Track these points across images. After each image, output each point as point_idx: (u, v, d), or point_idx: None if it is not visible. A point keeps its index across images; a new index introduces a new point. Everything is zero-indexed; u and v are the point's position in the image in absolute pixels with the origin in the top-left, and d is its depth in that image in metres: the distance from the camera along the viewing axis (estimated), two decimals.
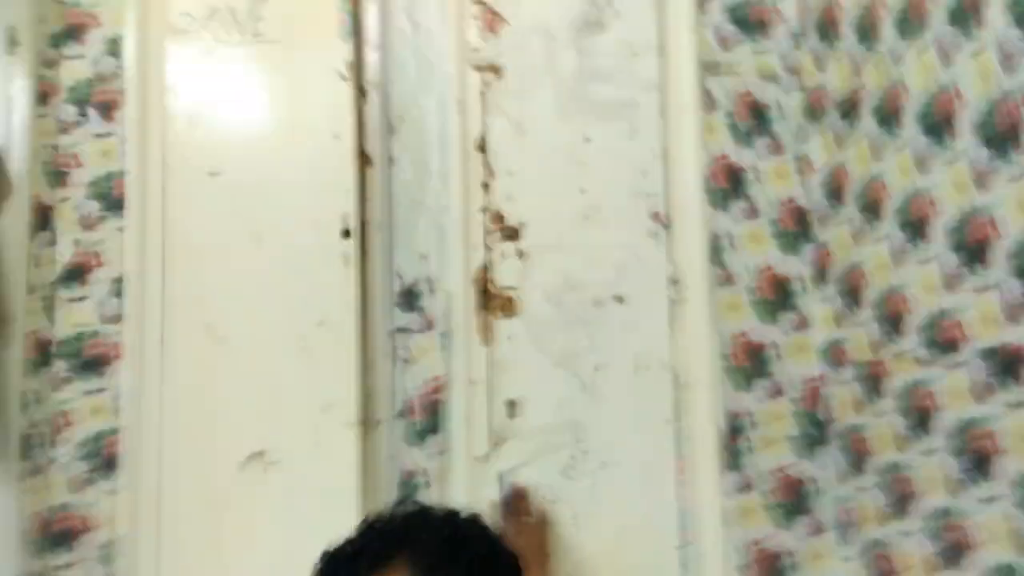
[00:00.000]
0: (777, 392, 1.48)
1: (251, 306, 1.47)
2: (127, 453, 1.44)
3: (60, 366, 1.46)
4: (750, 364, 1.49)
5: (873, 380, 1.34)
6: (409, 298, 1.52)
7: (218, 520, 1.40)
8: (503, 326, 1.52)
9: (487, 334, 1.51)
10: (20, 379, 2.02)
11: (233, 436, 1.44)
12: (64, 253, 1.50)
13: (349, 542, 0.77)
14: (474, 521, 0.83)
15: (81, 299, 1.47)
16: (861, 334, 1.38)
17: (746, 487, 1.45)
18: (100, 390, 1.45)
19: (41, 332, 1.99)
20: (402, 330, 1.50)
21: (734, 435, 1.47)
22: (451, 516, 0.83)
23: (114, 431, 1.45)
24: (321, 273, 1.48)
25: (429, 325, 1.51)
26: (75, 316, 1.46)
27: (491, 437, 1.50)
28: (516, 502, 1.47)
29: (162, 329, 1.47)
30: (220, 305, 1.48)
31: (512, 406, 1.50)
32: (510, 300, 1.53)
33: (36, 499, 1.93)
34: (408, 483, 1.46)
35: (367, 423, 1.46)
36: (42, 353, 1.97)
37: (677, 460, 1.49)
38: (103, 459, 1.44)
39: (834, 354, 1.46)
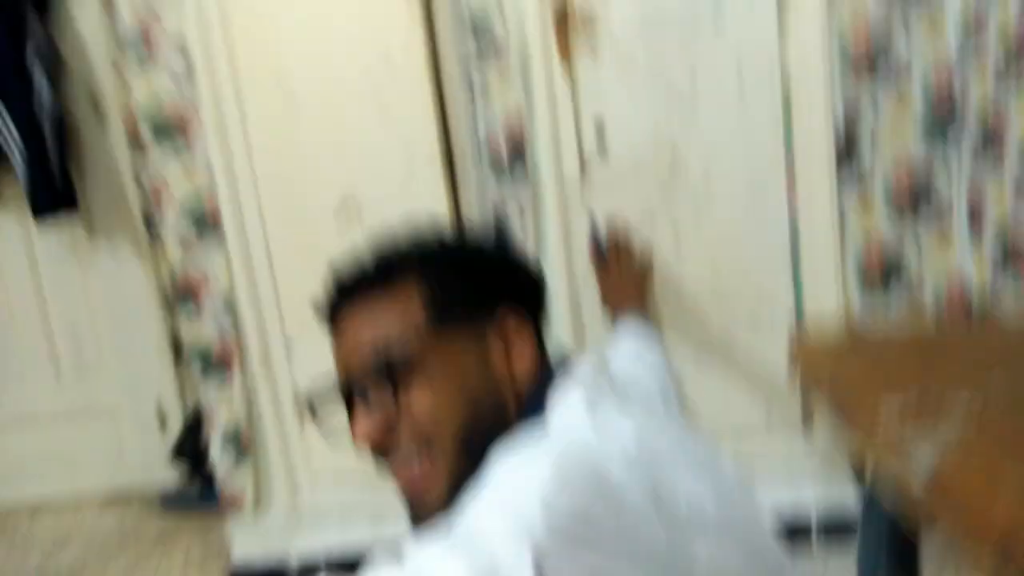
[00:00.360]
0: (904, 72, 1.31)
1: (315, 50, 1.42)
2: (227, 211, 1.50)
3: (147, 133, 1.47)
4: (872, 47, 1.31)
5: (1017, 50, 1.16)
6: (481, 22, 1.41)
7: (319, 265, 1.45)
8: (586, 40, 1.40)
9: (569, 51, 1.41)
10: (127, 158, 2.14)
11: (323, 185, 1.47)
12: (126, 20, 1.46)
13: (353, 260, 0.74)
14: (489, 232, 0.79)
15: (151, 64, 1.45)
16: None
17: (865, 179, 1.35)
18: (188, 153, 1.48)
19: (131, 106, 2.06)
20: (477, 57, 1.42)
21: (853, 126, 1.34)
22: (464, 234, 0.79)
23: (210, 191, 1.49)
24: (382, 5, 1.39)
25: (505, 49, 1.41)
26: (149, 80, 1.45)
27: (581, 161, 1.44)
28: (614, 241, 1.44)
29: (234, 85, 1.45)
30: (286, 56, 1.44)
31: (602, 126, 1.43)
32: (591, 10, 1.40)
33: (162, 265, 2.12)
34: (498, 216, 1.45)
35: (450, 159, 1.44)
36: (136, 127, 2.05)
37: (787, 162, 1.39)
38: (206, 219, 1.51)
39: (971, 24, 1.26)
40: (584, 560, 0.49)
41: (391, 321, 0.69)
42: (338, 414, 0.73)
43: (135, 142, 2.09)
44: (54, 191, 2.02)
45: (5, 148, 2.05)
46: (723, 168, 1.43)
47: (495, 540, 0.48)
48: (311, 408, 0.73)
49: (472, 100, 1.44)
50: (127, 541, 2.00)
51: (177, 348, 2.18)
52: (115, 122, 2.12)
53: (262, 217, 1.51)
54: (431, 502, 0.68)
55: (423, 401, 0.67)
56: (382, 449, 0.69)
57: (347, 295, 0.72)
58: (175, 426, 2.21)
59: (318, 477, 1.63)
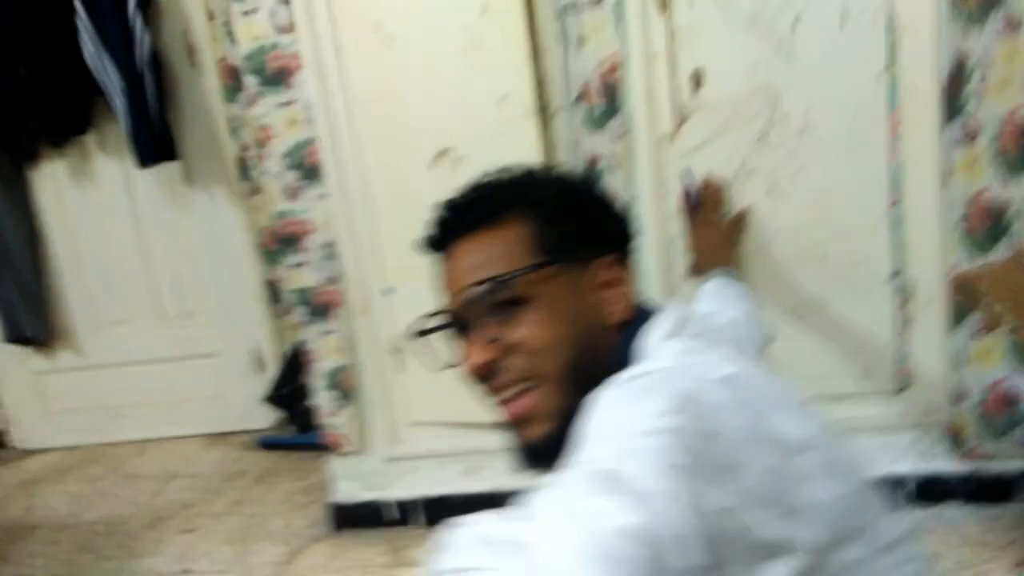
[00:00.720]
0: (1015, 25, 1.30)
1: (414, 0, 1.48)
2: (327, 160, 1.59)
3: (250, 82, 1.57)
4: None
5: None
6: None
7: (416, 216, 1.54)
8: None
9: (664, 0, 1.43)
10: (222, 106, 2.26)
11: (419, 136, 1.54)
12: None
13: (463, 195, 0.80)
14: (587, 179, 0.84)
15: (253, 11, 1.53)
16: None
17: (970, 137, 1.35)
18: (290, 102, 1.57)
19: (228, 58, 2.17)
20: (571, 7, 1.46)
21: (959, 79, 1.34)
22: (564, 173, 0.84)
23: (311, 140, 1.58)
24: None
25: None
26: (251, 29, 1.54)
27: (675, 114, 1.48)
28: (707, 194, 1.47)
29: (333, 34, 1.53)
30: (385, 4, 1.50)
31: (697, 77, 1.45)
32: None
33: (261, 213, 2.25)
34: (591, 169, 1.51)
35: (544, 111, 1.50)
36: (234, 78, 2.15)
37: (889, 115, 1.40)
38: (307, 168, 1.60)
39: None
40: (716, 477, 0.54)
41: (501, 255, 0.75)
42: (441, 345, 0.81)
43: (230, 89, 2.21)
44: (155, 139, 2.16)
45: (108, 96, 2.19)
46: (822, 117, 1.44)
47: (634, 471, 0.52)
48: (416, 337, 0.80)
49: (567, 51, 1.48)
50: (231, 478, 2.18)
51: (274, 294, 2.32)
52: (209, 70, 2.24)
53: (362, 166, 1.60)
54: (535, 431, 0.75)
55: (532, 333, 0.73)
56: (489, 377, 0.75)
57: (458, 227, 0.78)
58: (271, 370, 2.36)
59: (415, 424, 1.74)
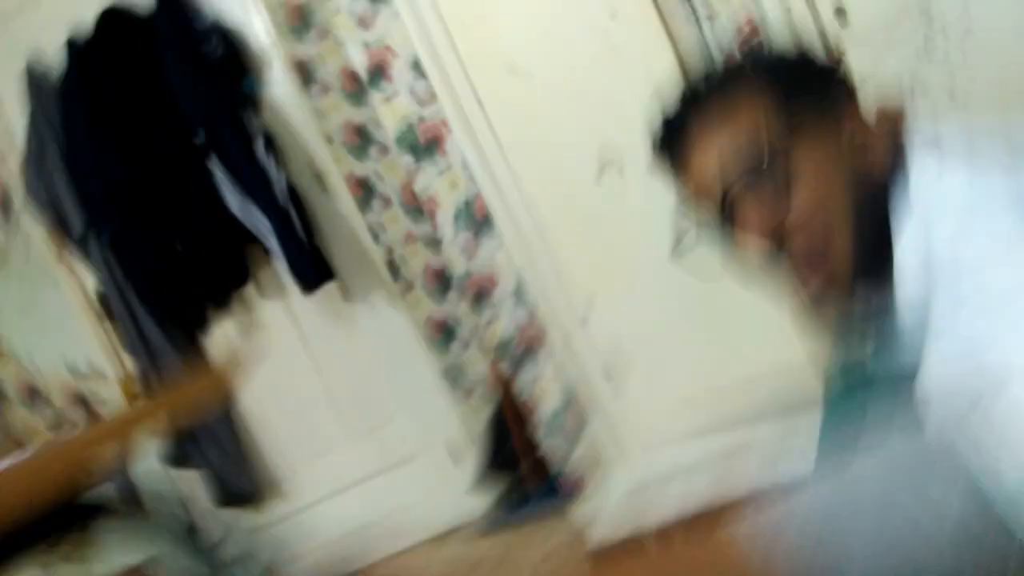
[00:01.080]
0: None
1: (541, 25, 1.55)
2: (496, 209, 1.65)
3: (407, 160, 1.65)
4: None
5: None
6: None
7: (594, 235, 1.56)
8: None
9: None
10: (359, 218, 2.37)
11: (578, 156, 1.59)
12: (357, 59, 1.66)
13: (683, 97, 0.80)
14: (792, 42, 0.84)
15: (394, 94, 1.64)
16: None
17: None
18: (448, 166, 1.64)
19: (354, 171, 2.28)
20: None
21: None
22: (772, 46, 0.84)
23: (476, 195, 1.64)
24: None
25: None
26: (396, 111, 1.64)
27: (828, 54, 1.46)
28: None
29: (472, 90, 1.61)
30: (513, 43, 1.58)
31: (841, 12, 1.45)
32: None
33: (419, 309, 2.30)
34: None
35: None
36: (364, 190, 2.26)
37: None
38: (478, 222, 1.65)
39: None
40: None
41: (752, 132, 0.74)
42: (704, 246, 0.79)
43: (362, 201, 2.33)
44: (314, 265, 2.28)
45: (262, 239, 2.34)
46: (982, 17, 1.40)
47: None
48: (680, 244, 0.79)
49: (702, 30, 1.51)
50: (480, 570, 2.11)
51: (454, 380, 2.35)
52: (340, 189, 2.37)
53: (530, 203, 1.65)
54: (847, 293, 0.73)
55: (815, 198, 0.72)
56: (779, 258, 0.74)
57: (692, 123, 0.77)
58: (472, 453, 2.35)
59: (649, 444, 1.70)
